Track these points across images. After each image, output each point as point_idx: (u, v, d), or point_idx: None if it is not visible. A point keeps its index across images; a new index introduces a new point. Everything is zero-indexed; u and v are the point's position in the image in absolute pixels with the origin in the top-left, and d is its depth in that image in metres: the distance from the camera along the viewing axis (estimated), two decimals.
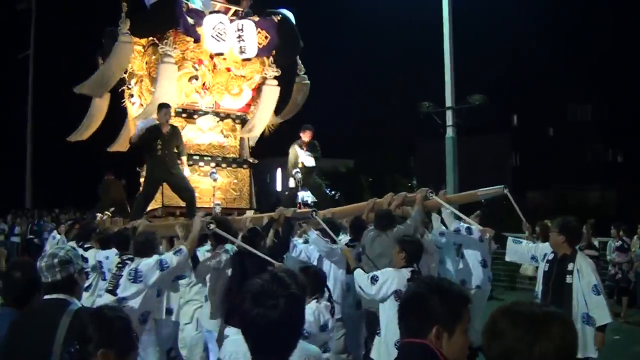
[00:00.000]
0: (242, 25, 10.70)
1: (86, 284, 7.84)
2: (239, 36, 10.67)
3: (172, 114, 10.22)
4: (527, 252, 6.46)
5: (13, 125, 33.47)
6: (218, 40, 10.40)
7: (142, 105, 11.39)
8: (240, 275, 5.76)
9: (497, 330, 1.82)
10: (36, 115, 30.47)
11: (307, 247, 7.45)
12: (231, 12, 11.37)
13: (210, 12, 10.67)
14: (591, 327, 5.55)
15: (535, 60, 43.94)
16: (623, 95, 39.38)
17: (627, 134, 38.72)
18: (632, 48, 40.11)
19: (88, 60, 12.23)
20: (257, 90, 11.58)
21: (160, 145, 9.52)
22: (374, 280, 5.61)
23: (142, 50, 11.12)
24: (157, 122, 9.61)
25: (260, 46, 10.96)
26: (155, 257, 5.41)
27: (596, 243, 13.07)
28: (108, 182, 12.94)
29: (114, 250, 7.55)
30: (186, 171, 10.13)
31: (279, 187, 46.12)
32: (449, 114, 17.72)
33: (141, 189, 10.45)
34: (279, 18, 11.25)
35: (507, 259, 6.96)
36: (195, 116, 11.10)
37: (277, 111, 11.99)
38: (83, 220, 10.35)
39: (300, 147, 11.05)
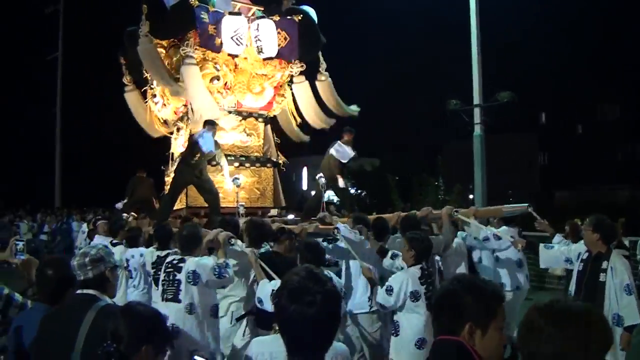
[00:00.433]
0: (258, 25, 10.70)
1: None
2: (256, 36, 10.69)
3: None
4: (561, 255, 6.32)
5: (42, 125, 33.95)
6: (237, 45, 10.47)
7: (164, 105, 11.49)
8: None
9: (540, 332, 1.79)
10: (65, 116, 30.86)
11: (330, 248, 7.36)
12: (251, 11, 11.34)
13: (230, 13, 10.65)
14: (621, 328, 5.46)
15: (563, 58, 43.48)
16: None
17: None
18: None
19: (116, 61, 12.37)
20: (280, 88, 11.56)
21: (198, 155, 9.85)
22: (389, 292, 5.55)
23: (164, 51, 11.17)
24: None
25: (280, 47, 10.93)
26: (213, 261, 5.36)
27: (626, 242, 12.86)
28: (138, 180, 13.05)
29: (140, 249, 7.60)
30: (225, 168, 10.60)
31: (304, 186, 46.25)
32: (476, 112, 17.57)
33: (168, 189, 10.52)
34: (299, 18, 11.18)
35: (542, 265, 6.80)
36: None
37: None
38: (105, 217, 10.42)
39: (346, 144, 11.00)
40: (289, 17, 11.18)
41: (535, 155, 44.02)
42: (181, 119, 11.55)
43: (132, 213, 11.82)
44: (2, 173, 35.71)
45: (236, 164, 11.17)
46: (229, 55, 10.66)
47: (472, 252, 8.04)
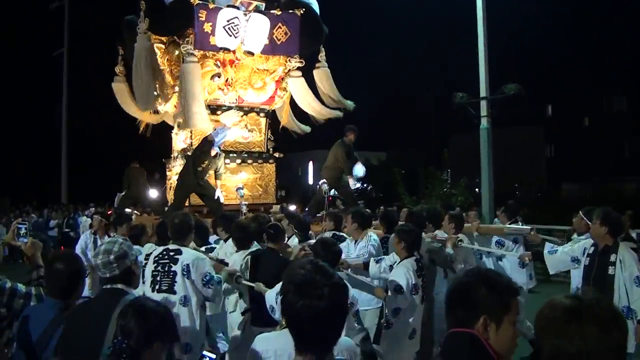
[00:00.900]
0: (250, 17, 10.47)
1: None
2: (244, 26, 10.45)
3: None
4: (566, 256, 6.23)
5: (48, 121, 34.03)
6: (229, 35, 10.25)
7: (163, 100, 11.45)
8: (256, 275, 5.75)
9: (575, 330, 1.75)
10: (71, 112, 30.89)
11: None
12: (252, 5, 11.18)
13: (228, 6, 10.52)
14: (631, 321, 5.40)
15: (570, 51, 43.24)
16: None
17: None
18: None
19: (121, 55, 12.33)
20: (281, 82, 11.51)
21: (204, 164, 10.01)
22: (399, 290, 5.55)
23: (164, 47, 11.11)
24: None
25: (279, 42, 10.84)
26: (209, 266, 5.32)
27: (634, 235, 12.78)
28: (133, 170, 13.14)
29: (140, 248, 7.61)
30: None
31: (310, 181, 46.24)
32: (483, 104, 17.49)
33: (173, 199, 10.48)
34: (302, 11, 11.07)
35: (552, 272, 6.66)
36: (219, 112, 11.11)
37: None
38: (98, 212, 10.52)
39: (350, 143, 11.13)
40: (290, 11, 11.07)
41: (542, 148, 43.83)
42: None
43: (136, 211, 11.89)
44: (9, 170, 35.81)
45: (238, 161, 11.14)
46: (223, 49, 10.42)
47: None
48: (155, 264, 5.36)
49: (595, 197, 23.52)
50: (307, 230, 7.81)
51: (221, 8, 10.34)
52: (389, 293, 5.65)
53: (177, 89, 10.58)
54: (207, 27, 10.24)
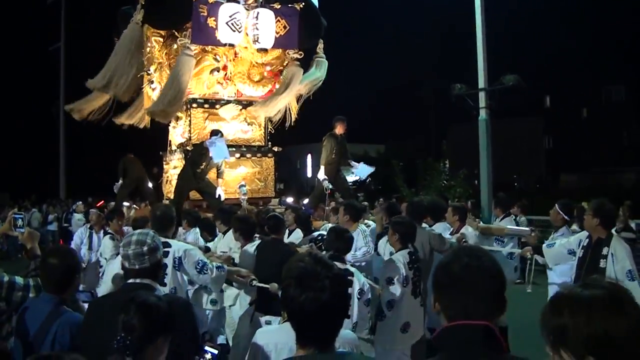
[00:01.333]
0: (258, 13, 10.50)
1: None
2: (254, 24, 10.49)
3: (195, 105, 10.74)
4: (563, 249, 6.20)
5: (46, 117, 33.94)
6: (233, 30, 10.24)
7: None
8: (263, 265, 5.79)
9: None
10: None
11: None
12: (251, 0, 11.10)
13: (228, 0, 10.44)
14: None
15: (568, 41, 43.19)
16: None
17: None
18: None
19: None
20: (280, 75, 11.43)
21: (203, 165, 9.99)
22: (390, 282, 5.56)
23: (162, 40, 11.05)
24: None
25: (278, 35, 10.77)
26: (199, 254, 5.29)
27: (633, 225, 12.79)
28: (129, 160, 13.15)
29: None
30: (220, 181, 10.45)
31: (309, 174, 46.28)
32: (482, 96, 17.48)
33: (172, 196, 10.48)
34: (301, 6, 11.01)
35: (551, 265, 6.64)
36: (217, 106, 11.06)
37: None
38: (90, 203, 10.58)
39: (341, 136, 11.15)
40: (290, 5, 11.00)
41: (540, 139, 43.86)
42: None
43: (134, 205, 11.86)
44: (7, 165, 35.76)
45: (237, 155, 11.11)
46: (227, 45, 10.42)
47: None
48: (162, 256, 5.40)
49: (594, 187, 23.56)
50: (309, 224, 7.84)
51: (222, 3, 10.28)
52: (382, 286, 5.65)
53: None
54: (211, 22, 10.19)
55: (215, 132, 10.08)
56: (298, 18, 10.92)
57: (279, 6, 10.88)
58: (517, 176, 30.44)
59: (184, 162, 10.62)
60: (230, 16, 10.20)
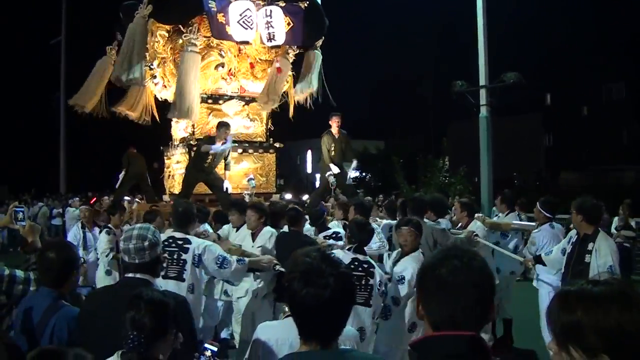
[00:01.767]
0: (271, 11, 10.54)
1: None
2: (267, 22, 10.51)
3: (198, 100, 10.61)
4: (558, 252, 6.38)
5: (47, 111, 33.93)
6: (245, 28, 10.29)
7: (165, 86, 11.39)
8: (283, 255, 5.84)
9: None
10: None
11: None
12: None
13: None
14: None
15: (568, 38, 43.17)
16: None
17: None
18: None
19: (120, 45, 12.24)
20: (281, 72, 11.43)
21: (209, 160, 10.01)
22: (401, 282, 5.56)
23: (167, 35, 10.99)
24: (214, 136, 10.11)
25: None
26: (219, 250, 5.36)
27: (633, 224, 12.81)
28: (131, 155, 13.17)
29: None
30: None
31: (309, 169, 46.26)
32: (482, 93, 17.51)
33: (180, 189, 10.49)
34: (306, 4, 11.07)
35: (554, 271, 6.75)
36: (221, 101, 11.09)
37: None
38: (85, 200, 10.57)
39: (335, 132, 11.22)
40: (294, 3, 11.09)
41: (540, 137, 43.82)
42: None
43: (136, 199, 11.86)
44: (7, 158, 35.77)
45: (240, 150, 11.14)
46: (240, 43, 10.49)
47: None
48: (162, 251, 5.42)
49: (594, 185, 23.56)
50: (321, 219, 7.84)
51: (230, 1, 10.33)
52: (395, 285, 5.63)
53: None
54: (221, 18, 10.22)
55: (222, 124, 10.07)
56: (302, 16, 10.97)
57: (284, 4, 10.94)
58: (516, 173, 30.41)
59: (187, 156, 10.65)
60: (240, 14, 10.24)
